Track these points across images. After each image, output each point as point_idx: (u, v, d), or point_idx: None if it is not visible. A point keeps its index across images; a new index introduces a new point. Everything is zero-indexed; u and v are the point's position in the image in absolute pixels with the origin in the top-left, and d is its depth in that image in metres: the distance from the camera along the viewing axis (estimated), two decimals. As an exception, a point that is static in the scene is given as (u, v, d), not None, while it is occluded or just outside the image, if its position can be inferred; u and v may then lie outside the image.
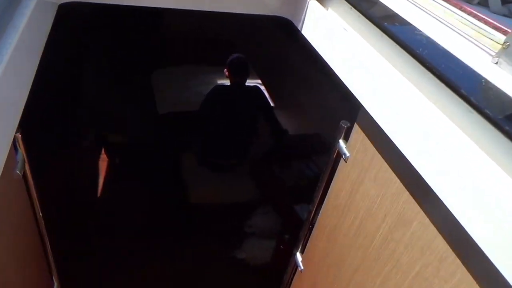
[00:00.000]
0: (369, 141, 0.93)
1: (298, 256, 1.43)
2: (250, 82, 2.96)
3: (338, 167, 1.08)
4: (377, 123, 0.82)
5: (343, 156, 1.02)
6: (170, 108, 3.09)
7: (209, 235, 2.98)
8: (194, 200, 2.80)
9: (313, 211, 1.26)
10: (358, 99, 0.89)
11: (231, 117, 2.83)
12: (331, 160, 1.11)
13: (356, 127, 0.98)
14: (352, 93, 0.91)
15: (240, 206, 2.87)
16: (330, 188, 1.15)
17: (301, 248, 1.42)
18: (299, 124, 3.56)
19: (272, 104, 3.16)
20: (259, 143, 3.17)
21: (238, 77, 2.80)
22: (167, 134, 3.20)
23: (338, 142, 1.05)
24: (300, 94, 3.78)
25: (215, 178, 2.87)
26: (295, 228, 2.29)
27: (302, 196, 2.46)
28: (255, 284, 2.77)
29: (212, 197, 2.81)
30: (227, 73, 2.83)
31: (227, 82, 2.87)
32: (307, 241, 1.35)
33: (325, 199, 1.19)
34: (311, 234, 1.31)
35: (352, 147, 1.01)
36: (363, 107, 0.88)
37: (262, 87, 3.20)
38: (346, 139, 1.04)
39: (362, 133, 0.97)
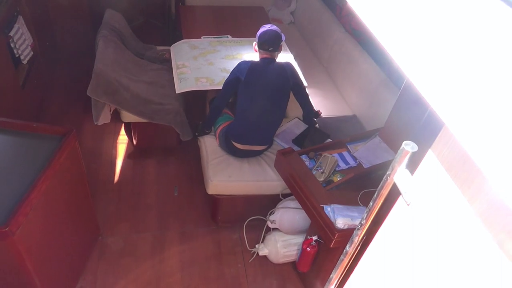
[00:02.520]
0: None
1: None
2: (281, 57, 2.60)
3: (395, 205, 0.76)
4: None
5: (403, 196, 0.69)
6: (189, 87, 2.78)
7: (228, 227, 2.76)
8: (213, 188, 2.54)
9: (357, 243, 0.95)
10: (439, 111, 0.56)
11: (258, 96, 2.50)
12: (383, 189, 0.79)
13: (430, 155, 0.65)
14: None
15: (263, 198, 2.60)
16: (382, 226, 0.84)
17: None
18: (335, 106, 3.21)
19: (305, 83, 2.79)
20: (288, 127, 2.88)
21: (268, 52, 2.45)
22: (187, 114, 2.94)
23: (395, 172, 0.72)
24: (337, 72, 3.40)
25: (236, 165, 2.59)
26: (324, 231, 2.04)
27: (336, 196, 2.15)
28: (275, 283, 2.54)
29: (233, 186, 2.54)
30: (256, 47, 2.50)
31: (256, 57, 2.53)
32: (342, 284, 1.06)
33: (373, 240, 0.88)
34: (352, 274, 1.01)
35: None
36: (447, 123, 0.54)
37: (295, 64, 2.82)
38: (411, 169, 0.71)
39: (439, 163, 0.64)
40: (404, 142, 0.71)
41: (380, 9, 0.67)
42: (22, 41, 2.91)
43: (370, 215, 0.87)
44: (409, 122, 1.74)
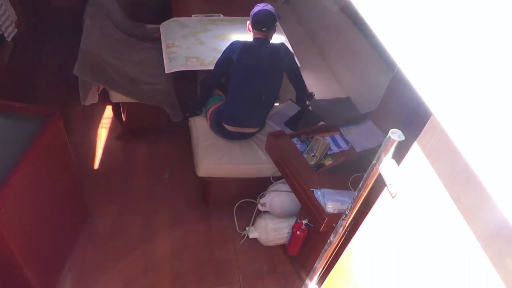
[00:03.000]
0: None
1: None
2: (275, 37, 2.53)
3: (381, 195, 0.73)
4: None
5: (388, 188, 0.66)
6: (179, 67, 2.70)
7: (219, 209, 2.74)
8: (203, 171, 2.51)
9: (342, 233, 0.92)
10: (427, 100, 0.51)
11: (251, 77, 2.44)
12: (368, 179, 0.75)
13: (415, 146, 0.61)
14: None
15: (254, 181, 2.57)
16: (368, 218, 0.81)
17: (317, 280, 1.10)
18: (329, 88, 3.15)
19: (298, 64, 2.73)
20: (281, 109, 2.83)
21: (262, 32, 2.38)
22: (177, 94, 2.88)
23: (381, 161, 0.68)
24: (331, 55, 3.33)
25: (227, 147, 2.55)
26: (314, 215, 2.02)
27: (327, 180, 2.13)
28: (266, 266, 2.55)
29: (223, 169, 2.51)
30: (249, 26, 2.42)
31: (249, 37, 2.45)
32: (327, 273, 1.03)
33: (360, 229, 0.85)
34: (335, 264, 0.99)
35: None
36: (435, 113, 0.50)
37: (288, 45, 2.75)
38: (397, 159, 0.67)
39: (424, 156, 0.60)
40: (391, 130, 0.67)
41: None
42: (6, 17, 2.81)
43: (355, 205, 0.84)
44: (401, 107, 1.70)
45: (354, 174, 2.17)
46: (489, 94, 0.45)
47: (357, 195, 0.81)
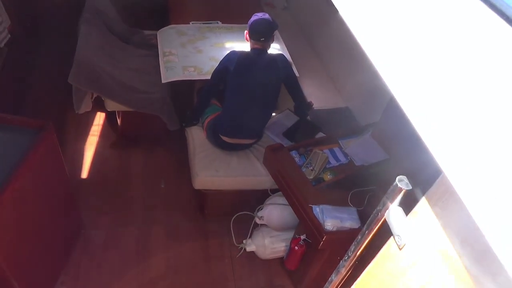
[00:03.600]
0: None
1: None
2: (274, 49, 2.49)
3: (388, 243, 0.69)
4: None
5: (395, 239, 0.62)
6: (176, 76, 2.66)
7: (216, 222, 2.71)
8: (199, 183, 2.47)
9: (344, 274, 0.88)
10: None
11: (248, 88, 2.40)
12: (373, 224, 0.71)
13: (424, 201, 0.57)
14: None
15: (251, 193, 2.53)
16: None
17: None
18: (328, 97, 3.11)
19: (297, 74, 2.69)
20: (279, 119, 2.79)
21: (260, 43, 2.34)
22: (174, 103, 2.83)
23: (387, 208, 0.64)
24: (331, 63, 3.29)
25: (224, 158, 2.51)
26: (312, 232, 1.99)
27: (326, 195, 2.09)
28: (263, 279, 2.51)
29: (220, 181, 2.47)
30: (247, 36, 2.38)
31: (246, 47, 2.41)
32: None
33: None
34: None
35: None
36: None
37: (287, 54, 2.71)
38: (407, 208, 0.63)
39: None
40: (398, 178, 0.64)
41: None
42: (-1, 23, 2.75)
43: (357, 249, 0.80)
44: (401, 125, 1.66)
45: (354, 189, 2.14)
46: (498, 155, 0.42)
47: (360, 238, 0.77)
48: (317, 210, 1.96)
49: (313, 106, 2.86)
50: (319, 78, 3.27)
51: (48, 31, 3.69)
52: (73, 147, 2.98)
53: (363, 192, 2.11)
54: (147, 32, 3.26)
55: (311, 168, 2.20)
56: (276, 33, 3.01)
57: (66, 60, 2.59)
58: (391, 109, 1.74)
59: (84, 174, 2.84)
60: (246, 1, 3.47)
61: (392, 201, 0.65)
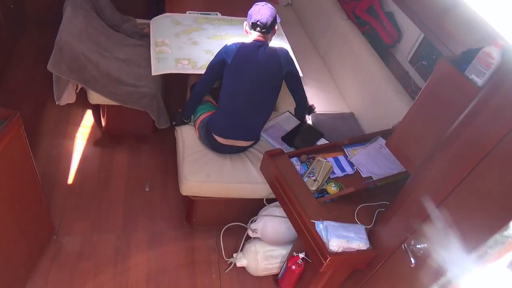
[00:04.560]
0: None
1: None
2: (275, 43, 2.26)
3: None
4: None
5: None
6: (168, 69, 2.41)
7: (204, 231, 2.46)
8: (187, 189, 2.21)
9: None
10: None
11: (246, 84, 2.17)
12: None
13: None
14: None
15: (245, 202, 2.29)
16: None
17: None
18: (331, 101, 2.89)
19: (300, 74, 2.46)
20: (278, 122, 2.56)
21: (261, 34, 2.11)
22: (165, 99, 2.59)
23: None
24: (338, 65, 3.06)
25: (217, 162, 2.27)
26: (314, 251, 1.75)
27: (329, 208, 1.86)
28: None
29: (211, 187, 2.22)
30: (246, 28, 2.15)
31: (246, 39, 2.18)
32: None
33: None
34: None
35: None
36: None
37: (290, 51, 2.48)
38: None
39: None
40: None
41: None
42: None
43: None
44: (427, 134, 1.44)
45: (361, 204, 1.91)
46: None
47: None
48: (320, 226, 1.72)
49: (315, 110, 2.64)
50: (323, 80, 3.04)
51: (35, 14, 3.43)
52: (50, 142, 2.71)
53: (371, 208, 1.88)
54: (140, 21, 3.01)
55: (314, 178, 1.97)
56: (279, 28, 2.80)
57: (51, 47, 2.32)
58: (415, 114, 1.51)
59: (61, 173, 2.57)
60: (249, -7, 3.24)
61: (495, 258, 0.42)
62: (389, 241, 1.61)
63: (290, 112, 2.62)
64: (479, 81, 1.27)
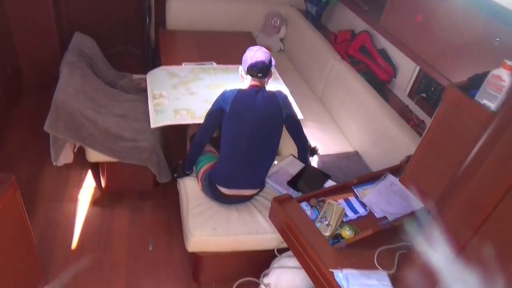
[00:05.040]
0: None
1: None
2: (272, 87, 2.24)
3: None
4: None
5: None
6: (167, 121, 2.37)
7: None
8: (193, 245, 2.09)
9: None
10: None
11: (247, 131, 2.11)
12: None
13: None
14: None
15: (255, 254, 2.15)
16: None
17: None
18: (334, 141, 2.83)
19: (300, 116, 2.42)
20: (281, 167, 2.48)
21: (257, 79, 2.09)
22: (165, 151, 2.53)
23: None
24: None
25: (223, 213, 2.16)
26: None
27: (346, 255, 1.73)
28: None
29: (218, 241, 2.10)
30: (242, 73, 2.13)
31: (242, 85, 2.15)
32: None
33: None
34: None
35: None
36: None
37: (288, 93, 2.46)
38: None
39: None
40: None
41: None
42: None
43: None
44: (443, 165, 1.37)
45: (380, 247, 1.78)
46: None
47: None
48: (339, 276, 1.59)
49: (319, 151, 2.58)
50: (323, 121, 3.01)
51: (31, 78, 3.46)
52: (48, 205, 2.61)
53: (392, 250, 1.75)
54: (136, 76, 3.03)
55: (326, 222, 1.86)
56: (275, 72, 2.81)
57: (46, 110, 2.30)
58: (428, 148, 1.45)
59: (60, 236, 2.44)
60: (242, 41, 3.30)
61: None
62: (417, 287, 1.48)
63: (293, 156, 2.56)
64: (492, 105, 1.22)
